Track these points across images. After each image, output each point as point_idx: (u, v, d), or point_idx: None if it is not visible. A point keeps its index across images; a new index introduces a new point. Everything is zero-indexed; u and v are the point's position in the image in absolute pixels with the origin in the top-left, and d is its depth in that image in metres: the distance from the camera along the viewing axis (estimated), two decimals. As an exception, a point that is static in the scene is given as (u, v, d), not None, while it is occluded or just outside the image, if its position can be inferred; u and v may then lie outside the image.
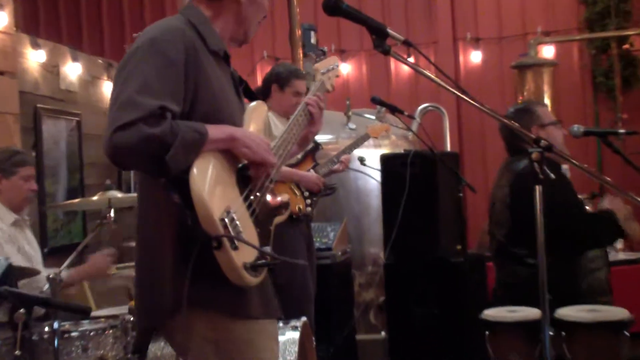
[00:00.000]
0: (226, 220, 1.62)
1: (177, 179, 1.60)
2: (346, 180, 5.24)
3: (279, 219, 1.89)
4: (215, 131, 1.67)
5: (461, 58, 7.82)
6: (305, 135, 2.09)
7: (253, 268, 1.67)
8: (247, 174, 1.76)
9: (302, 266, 3.57)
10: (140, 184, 1.83)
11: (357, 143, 4.22)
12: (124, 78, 1.62)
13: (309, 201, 3.80)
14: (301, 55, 5.69)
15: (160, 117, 1.58)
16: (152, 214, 1.76)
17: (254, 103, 1.94)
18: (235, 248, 1.62)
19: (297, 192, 3.81)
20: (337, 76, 2.26)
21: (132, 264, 2.46)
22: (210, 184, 1.61)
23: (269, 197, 1.84)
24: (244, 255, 1.66)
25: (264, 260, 1.71)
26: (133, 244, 2.57)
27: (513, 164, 3.22)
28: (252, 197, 1.77)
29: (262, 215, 1.79)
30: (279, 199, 1.86)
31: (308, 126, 2.07)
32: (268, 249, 1.72)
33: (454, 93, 1.82)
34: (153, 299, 1.75)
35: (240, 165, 1.76)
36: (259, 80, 5.69)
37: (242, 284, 1.67)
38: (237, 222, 1.65)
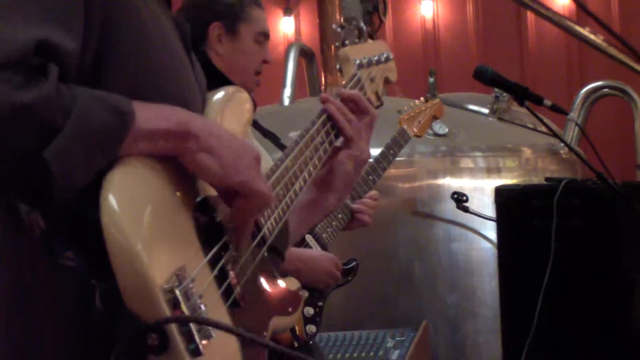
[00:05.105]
0: (177, 291, 1.18)
1: (71, 212, 1.17)
2: (426, 240, 4.11)
3: (280, 322, 1.47)
4: (152, 114, 1.22)
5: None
6: (324, 175, 1.62)
7: None
8: (215, 217, 1.32)
9: None
10: None
11: (389, 154, 3.15)
12: None
13: (310, 311, 2.87)
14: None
15: (38, 71, 1.12)
16: (13, 299, 1.27)
17: (223, 90, 1.52)
18: (196, 352, 1.17)
19: None
20: (390, 81, 1.86)
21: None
22: (143, 220, 1.19)
23: (263, 280, 1.46)
24: None
25: None
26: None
27: None
28: (225, 262, 1.31)
29: (249, 306, 1.37)
30: (281, 283, 1.49)
31: (336, 155, 1.62)
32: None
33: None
34: None
35: (199, 198, 1.31)
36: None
37: None
38: (199, 301, 1.21)
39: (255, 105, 1.57)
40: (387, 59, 1.89)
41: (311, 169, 1.56)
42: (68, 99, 1.13)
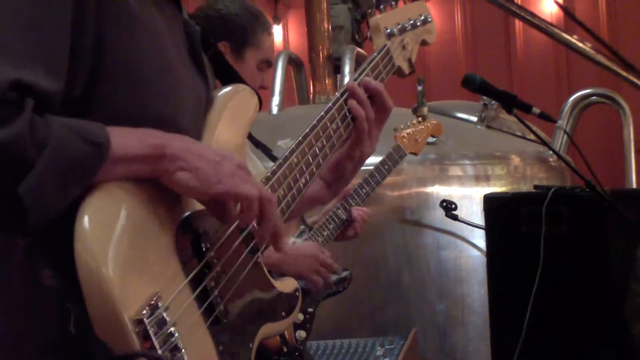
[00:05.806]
0: (146, 322, 1.15)
1: (49, 237, 1.16)
2: (415, 248, 4.12)
3: (272, 328, 1.44)
4: (128, 140, 1.21)
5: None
6: (338, 160, 1.58)
7: None
8: (199, 234, 1.30)
9: None
10: None
11: (383, 169, 3.13)
12: None
13: (300, 317, 2.84)
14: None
15: (13, 107, 1.11)
16: (6, 312, 1.27)
17: (231, 88, 1.50)
18: None
19: None
20: (426, 43, 1.81)
21: None
22: (117, 247, 1.16)
23: (255, 288, 1.44)
24: None
25: None
26: None
27: None
28: (209, 281, 1.29)
29: (233, 320, 1.34)
30: (276, 286, 1.46)
31: (349, 144, 1.58)
32: None
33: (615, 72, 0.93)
34: None
35: (186, 214, 1.28)
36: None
37: None
38: (173, 329, 1.19)
39: (260, 105, 1.55)
40: (425, 21, 1.81)
41: (320, 160, 1.52)
42: (42, 133, 1.12)
